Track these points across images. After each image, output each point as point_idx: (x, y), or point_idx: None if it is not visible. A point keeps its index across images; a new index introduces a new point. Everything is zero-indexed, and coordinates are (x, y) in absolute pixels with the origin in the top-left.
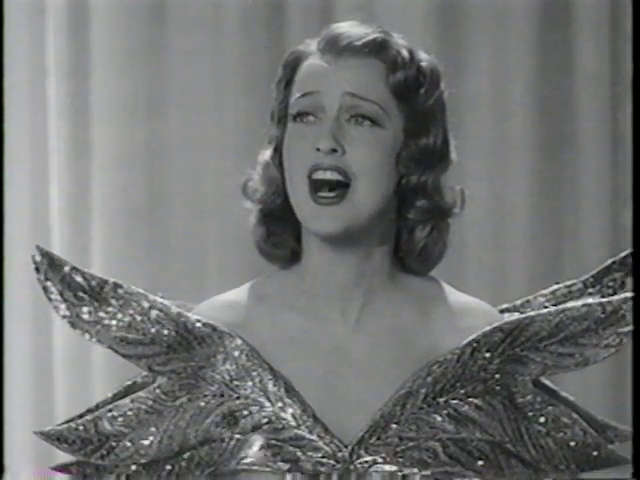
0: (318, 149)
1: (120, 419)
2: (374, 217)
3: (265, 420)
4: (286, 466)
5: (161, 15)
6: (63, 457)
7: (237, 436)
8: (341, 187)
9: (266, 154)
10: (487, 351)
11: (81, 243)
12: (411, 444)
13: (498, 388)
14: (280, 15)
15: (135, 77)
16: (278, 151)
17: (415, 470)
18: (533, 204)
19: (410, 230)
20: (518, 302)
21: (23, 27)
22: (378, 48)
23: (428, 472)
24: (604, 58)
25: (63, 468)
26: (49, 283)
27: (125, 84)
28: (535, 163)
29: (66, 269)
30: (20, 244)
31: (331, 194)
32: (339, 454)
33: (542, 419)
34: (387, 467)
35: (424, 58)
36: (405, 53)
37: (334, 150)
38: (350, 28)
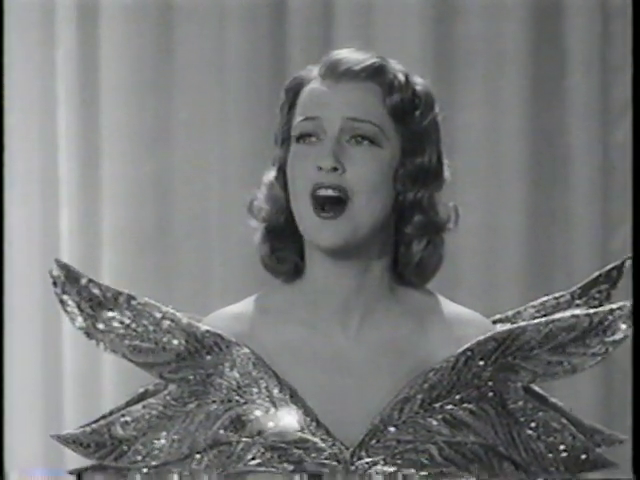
0: (320, 168)
1: (132, 424)
2: (373, 231)
3: (271, 424)
4: (291, 467)
5: (167, 50)
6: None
7: (244, 439)
8: (342, 203)
9: (270, 174)
10: (481, 359)
11: (92, 267)
12: (408, 446)
13: (491, 394)
14: (282, 47)
15: (143, 110)
16: (282, 171)
17: (412, 471)
18: (525, 222)
19: (407, 244)
20: (510, 313)
21: (34, 59)
22: (375, 73)
23: (424, 473)
24: (595, 89)
25: (81, 472)
26: (66, 296)
27: (133, 116)
28: (527, 184)
29: (83, 281)
30: (31, 267)
31: (332, 212)
32: (341, 456)
33: (533, 424)
34: (386, 468)
35: (419, 82)
36: (401, 77)
37: (335, 169)
38: (349, 54)
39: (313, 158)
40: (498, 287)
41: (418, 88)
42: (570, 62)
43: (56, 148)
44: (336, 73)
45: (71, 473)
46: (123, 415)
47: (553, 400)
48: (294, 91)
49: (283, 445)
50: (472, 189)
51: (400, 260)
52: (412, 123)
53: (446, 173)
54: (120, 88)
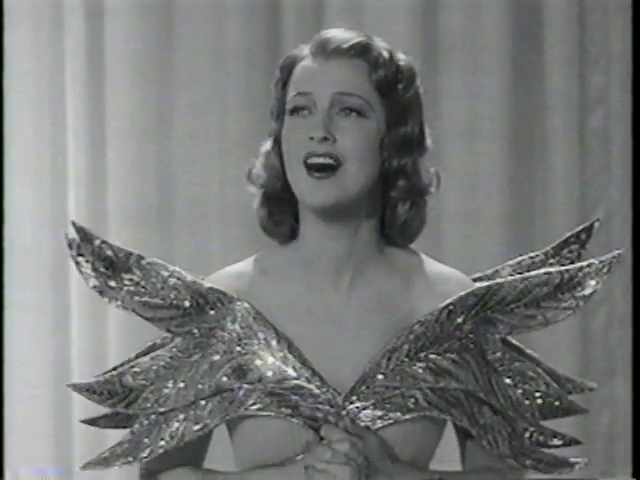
0: (312, 138)
1: (142, 374)
2: (361, 194)
3: (269, 373)
4: (288, 411)
5: (168, 40)
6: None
7: (245, 386)
8: (333, 169)
9: (267, 145)
10: (462, 313)
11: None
12: (395, 392)
13: (471, 345)
14: (277, 37)
15: (146, 97)
16: (277, 142)
17: (399, 414)
18: (506, 184)
19: (393, 207)
20: (489, 272)
21: (44, 48)
22: (362, 50)
23: (410, 416)
24: (572, 77)
25: (94, 421)
26: (80, 258)
27: (137, 103)
28: (507, 150)
29: (97, 242)
30: (39, 248)
31: (324, 174)
32: (334, 401)
33: (510, 373)
34: (375, 412)
35: (402, 58)
36: (385, 54)
37: (325, 139)
38: (337, 34)
39: (305, 129)
40: (478, 247)
41: (401, 64)
42: (548, 51)
43: (64, 134)
44: (326, 51)
45: (84, 422)
46: (133, 366)
47: (528, 351)
48: (288, 68)
49: (281, 391)
50: (455, 157)
51: (387, 222)
52: (396, 96)
53: (428, 141)
54: (124, 77)
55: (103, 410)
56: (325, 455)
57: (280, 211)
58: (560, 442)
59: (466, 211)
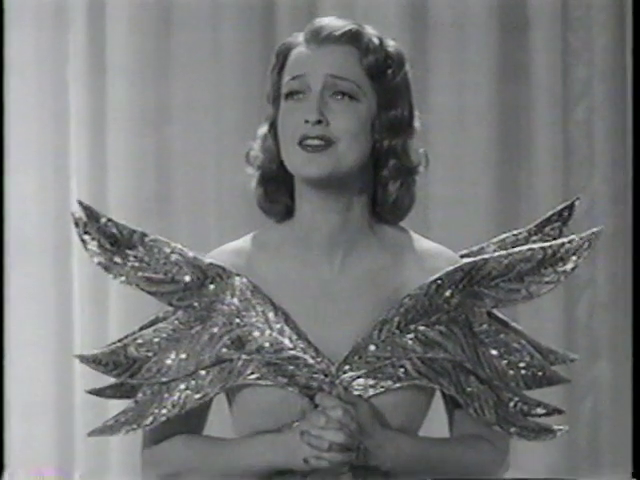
0: (307, 121)
1: (145, 346)
2: (353, 169)
3: (267, 344)
4: (284, 380)
5: (166, 36)
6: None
7: (244, 357)
8: (325, 147)
9: (264, 128)
10: (449, 287)
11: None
12: (386, 362)
13: (459, 318)
14: (272, 34)
15: (145, 90)
16: (273, 126)
17: (389, 383)
18: (492, 174)
19: (384, 185)
20: (475, 248)
21: (48, 43)
22: (353, 37)
23: (400, 385)
24: (557, 71)
25: (100, 391)
26: (87, 236)
27: (136, 97)
28: (494, 141)
29: (102, 220)
30: (42, 236)
31: (318, 146)
32: (328, 370)
33: (495, 344)
34: (367, 381)
35: (391, 44)
36: (375, 40)
37: (319, 121)
38: (330, 21)
39: (301, 113)
40: (465, 225)
41: (390, 50)
42: (533, 45)
43: (67, 127)
44: (319, 38)
45: (90, 393)
46: (136, 338)
47: (513, 324)
48: (283, 54)
49: (278, 361)
50: (442, 138)
51: (378, 200)
52: (386, 80)
53: (417, 123)
54: (124, 70)
55: (107, 381)
56: (319, 421)
57: (276, 190)
58: (544, 411)
59: (454, 198)
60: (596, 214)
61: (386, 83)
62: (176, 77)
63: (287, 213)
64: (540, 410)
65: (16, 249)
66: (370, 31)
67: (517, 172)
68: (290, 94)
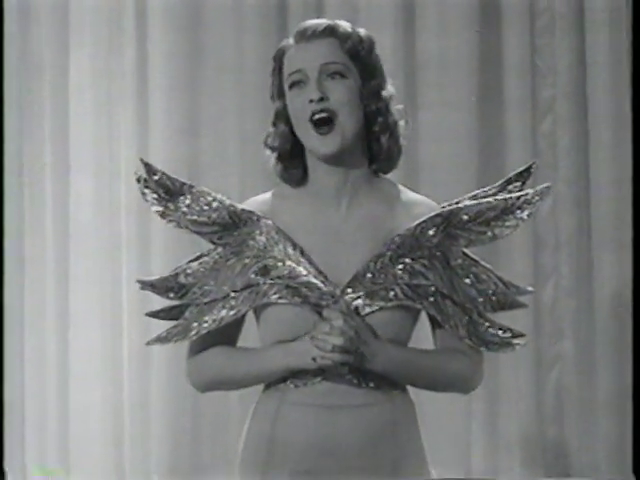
0: (311, 100)
1: (191, 274)
2: (355, 137)
3: (286, 272)
4: (299, 300)
5: (198, 55)
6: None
7: (268, 282)
8: (331, 122)
9: (274, 119)
10: (431, 229)
11: (144, 230)
12: (380, 287)
13: (438, 254)
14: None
15: (182, 102)
16: (282, 114)
17: (382, 303)
18: (470, 175)
19: (377, 139)
20: (453, 201)
21: (101, 72)
22: (332, 30)
23: (391, 304)
24: (527, 90)
25: (155, 314)
26: (147, 190)
27: (174, 108)
28: (474, 149)
29: (158, 174)
30: (97, 230)
31: (326, 128)
32: (333, 292)
33: (468, 275)
34: (364, 301)
35: (361, 31)
36: (349, 29)
37: (322, 98)
38: (311, 22)
39: (305, 96)
40: (448, 180)
41: (362, 34)
42: (507, 69)
43: (118, 135)
44: (305, 36)
45: (147, 315)
46: (185, 269)
47: (483, 262)
48: (279, 57)
49: (295, 285)
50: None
51: (374, 154)
52: (363, 58)
53: (392, 89)
54: (164, 86)
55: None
56: (325, 328)
57: (292, 164)
58: (508, 334)
59: (439, 151)
60: (559, 213)
61: (363, 60)
62: (205, 90)
63: (301, 179)
64: (502, 333)
65: (75, 242)
66: (344, 24)
67: (494, 176)
68: (293, 84)
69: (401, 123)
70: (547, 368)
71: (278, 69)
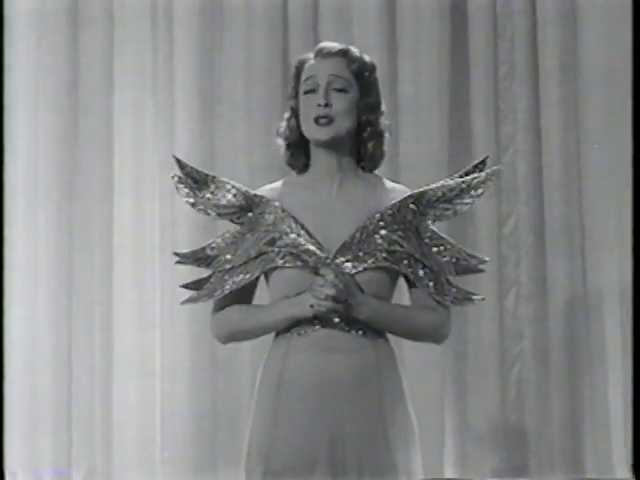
0: (319, 105)
1: (216, 248)
2: (346, 134)
3: (290, 242)
4: (301, 264)
5: (216, 78)
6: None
7: (275, 250)
8: (330, 123)
9: (288, 114)
10: (404, 207)
11: (169, 218)
12: (364, 252)
13: (412, 227)
14: (287, 57)
15: (204, 104)
16: (294, 111)
17: (365, 264)
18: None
19: (364, 144)
20: (424, 188)
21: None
22: (343, 52)
23: (374, 265)
24: (490, 125)
25: (187, 285)
26: (180, 185)
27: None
28: (445, 170)
29: (187, 168)
30: (142, 219)
31: (325, 121)
32: (327, 257)
33: (436, 245)
34: (352, 264)
35: (366, 57)
36: (358, 54)
37: (326, 104)
38: (328, 44)
39: (314, 101)
40: (422, 176)
41: (366, 60)
42: (474, 108)
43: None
44: (322, 54)
45: (182, 287)
46: (210, 243)
47: (448, 238)
48: (299, 66)
49: (297, 253)
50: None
51: (362, 155)
52: (364, 79)
53: (384, 107)
54: (190, 95)
55: None
56: (320, 282)
57: (298, 153)
58: (469, 293)
59: (417, 151)
60: (519, 231)
61: (365, 80)
62: (221, 96)
63: (305, 167)
64: (464, 292)
65: (121, 231)
66: (354, 49)
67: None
68: (307, 92)
69: (386, 135)
70: (510, 364)
71: (297, 75)
